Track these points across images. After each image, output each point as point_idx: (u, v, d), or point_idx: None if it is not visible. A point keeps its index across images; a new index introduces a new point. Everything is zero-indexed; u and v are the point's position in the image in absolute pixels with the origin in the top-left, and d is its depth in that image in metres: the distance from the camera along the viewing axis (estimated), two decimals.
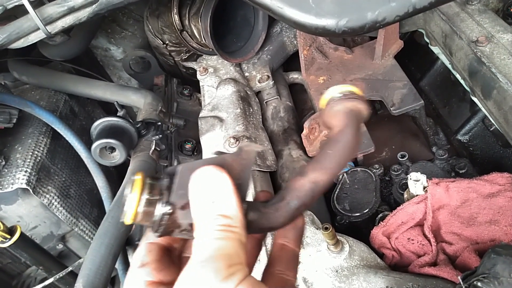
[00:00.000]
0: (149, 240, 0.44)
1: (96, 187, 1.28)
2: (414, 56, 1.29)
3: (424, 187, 0.89)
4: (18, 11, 0.99)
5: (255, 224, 0.42)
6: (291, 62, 1.44)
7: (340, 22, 0.70)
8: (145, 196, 0.39)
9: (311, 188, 0.43)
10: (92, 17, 0.98)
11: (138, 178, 0.40)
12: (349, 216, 0.97)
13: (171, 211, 0.39)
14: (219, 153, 0.43)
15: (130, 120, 1.22)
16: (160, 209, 0.39)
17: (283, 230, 0.46)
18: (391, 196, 1.02)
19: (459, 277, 0.64)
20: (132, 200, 0.39)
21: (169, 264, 0.44)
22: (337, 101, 0.48)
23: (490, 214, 0.83)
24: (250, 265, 0.44)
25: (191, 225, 0.40)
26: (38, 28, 0.99)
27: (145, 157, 1.21)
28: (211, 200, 0.38)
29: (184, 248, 0.48)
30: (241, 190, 0.41)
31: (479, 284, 0.62)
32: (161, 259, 0.43)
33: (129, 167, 1.20)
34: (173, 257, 0.46)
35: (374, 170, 1.04)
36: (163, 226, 0.40)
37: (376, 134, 1.06)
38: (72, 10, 0.97)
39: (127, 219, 0.39)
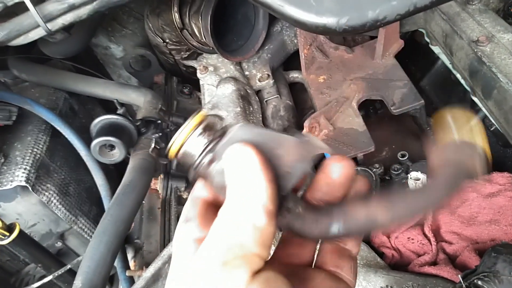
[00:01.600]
0: (194, 195, 0.42)
1: (95, 185, 1.28)
2: (415, 55, 1.29)
3: None
4: (19, 8, 0.99)
5: (286, 221, 0.39)
6: (292, 61, 1.43)
7: (341, 20, 0.70)
8: (196, 134, 0.38)
9: (365, 223, 0.38)
10: (92, 14, 0.97)
11: (199, 114, 0.38)
12: None
13: (208, 161, 0.37)
14: (292, 133, 0.39)
15: (130, 118, 1.22)
16: (201, 155, 0.37)
17: (334, 258, 0.42)
18: None
19: (459, 276, 0.64)
20: (183, 133, 0.37)
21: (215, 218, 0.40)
22: (456, 149, 0.41)
23: (490, 213, 0.84)
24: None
25: (221, 187, 0.37)
26: (39, 25, 0.98)
27: (145, 155, 1.21)
28: (235, 185, 0.35)
29: None
30: (284, 180, 0.38)
31: (479, 282, 0.62)
32: (207, 215, 0.40)
33: (129, 165, 1.20)
34: None
35: (374, 170, 1.04)
36: (198, 173, 0.38)
37: (376, 133, 1.06)
38: (72, 8, 0.96)
39: (171, 152, 0.38)
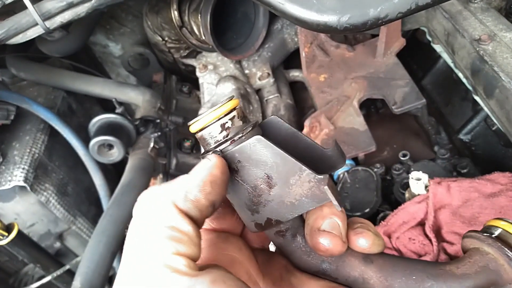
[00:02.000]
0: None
1: (93, 185, 1.27)
2: (416, 54, 1.28)
3: (426, 187, 0.88)
4: (17, 6, 0.98)
5: (279, 243, 0.39)
6: (292, 59, 1.43)
7: (342, 18, 0.69)
8: (217, 126, 0.36)
9: (355, 279, 0.37)
10: (91, 12, 0.96)
11: (231, 101, 0.37)
12: (350, 216, 0.96)
13: (226, 148, 0.36)
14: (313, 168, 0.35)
15: (129, 117, 1.21)
16: (212, 149, 0.36)
17: None
18: (392, 196, 1.01)
19: None
20: (214, 113, 0.36)
21: (224, 213, 0.41)
22: (496, 246, 0.35)
23: (492, 214, 0.83)
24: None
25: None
26: (37, 24, 0.98)
27: (144, 154, 1.20)
28: None
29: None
30: (287, 209, 0.37)
31: None
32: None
33: (127, 165, 1.19)
34: (230, 205, 0.41)
35: (376, 169, 1.03)
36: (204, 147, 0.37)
37: (377, 133, 1.05)
38: (71, 5, 0.96)
39: (195, 125, 0.37)
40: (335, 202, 0.35)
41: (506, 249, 0.35)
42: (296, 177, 0.35)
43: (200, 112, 0.34)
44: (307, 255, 0.38)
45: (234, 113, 0.37)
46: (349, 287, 0.38)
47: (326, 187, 0.34)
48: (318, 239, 0.36)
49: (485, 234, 0.37)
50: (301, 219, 0.40)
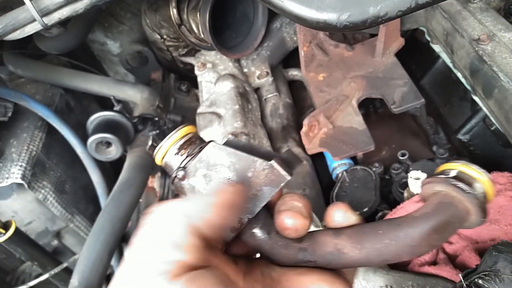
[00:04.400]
0: None
1: (91, 183, 1.26)
2: (415, 54, 1.28)
3: None
4: (14, 2, 0.97)
5: (255, 243, 0.40)
6: (291, 58, 1.42)
7: (342, 16, 0.69)
8: (175, 149, 0.41)
9: (331, 254, 0.37)
10: (89, 9, 0.96)
11: (184, 128, 0.42)
12: None
13: (180, 177, 0.40)
14: (267, 155, 0.39)
15: (127, 115, 1.21)
16: (175, 170, 0.41)
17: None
18: (390, 195, 1.01)
19: (460, 275, 0.64)
20: (164, 146, 0.41)
21: None
22: (449, 184, 0.37)
23: (490, 213, 0.83)
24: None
25: None
26: (35, 20, 0.97)
27: (142, 152, 1.20)
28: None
29: None
30: (252, 202, 0.39)
31: (480, 281, 0.61)
32: None
33: (125, 163, 1.19)
34: None
35: (374, 169, 1.03)
36: (174, 186, 0.41)
37: (376, 132, 1.05)
38: (69, 2, 0.95)
39: (157, 156, 0.42)
40: (286, 174, 0.38)
41: (456, 181, 0.36)
42: (251, 169, 0.39)
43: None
44: (284, 248, 0.39)
45: (190, 135, 0.42)
46: (329, 266, 0.38)
47: (276, 164, 0.37)
48: (282, 219, 0.38)
49: (439, 176, 0.39)
50: (270, 220, 0.41)
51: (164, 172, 1.30)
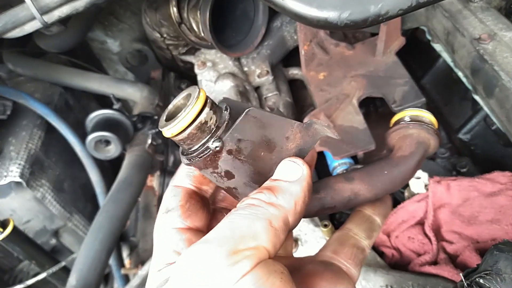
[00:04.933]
0: (175, 183, 0.41)
1: (90, 181, 1.26)
2: (416, 53, 1.28)
3: (425, 185, 0.88)
4: (14, 0, 0.97)
5: None
6: (291, 57, 1.42)
7: (343, 14, 0.68)
8: (203, 116, 0.34)
9: (349, 197, 0.42)
10: (89, 7, 0.96)
11: (203, 92, 0.35)
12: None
13: (217, 149, 0.35)
14: (278, 111, 0.41)
15: (126, 114, 1.20)
16: (208, 141, 0.35)
17: (333, 244, 0.45)
18: (391, 194, 1.00)
19: (461, 274, 0.63)
20: (190, 113, 0.34)
21: (197, 209, 0.41)
22: (412, 125, 0.47)
23: (491, 213, 0.82)
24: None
25: (226, 172, 0.37)
26: (34, 18, 0.97)
27: (141, 151, 1.19)
28: (276, 187, 0.37)
29: (217, 194, 0.45)
30: None
31: (481, 281, 0.61)
32: (189, 204, 0.40)
33: (124, 161, 1.18)
34: (203, 201, 0.42)
35: None
36: (199, 159, 0.35)
37: (376, 131, 1.04)
38: (69, 0, 0.95)
39: (172, 130, 0.34)
40: (330, 134, 0.41)
41: (418, 123, 0.47)
42: (289, 132, 0.39)
43: (167, 110, 0.32)
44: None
45: (211, 102, 0.36)
46: (346, 207, 0.44)
47: (313, 124, 0.40)
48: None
49: (399, 123, 0.49)
50: None
51: (164, 171, 1.29)
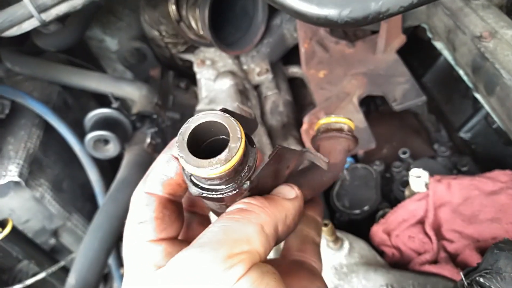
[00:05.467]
0: (148, 190, 0.39)
1: (89, 180, 1.26)
2: (417, 51, 1.27)
3: (426, 184, 0.87)
4: None
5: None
6: (291, 55, 1.41)
7: (343, 12, 0.68)
8: (245, 159, 0.34)
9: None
10: (87, 5, 0.95)
11: (241, 130, 0.34)
12: (349, 213, 0.96)
13: (245, 189, 0.35)
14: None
15: (125, 112, 1.20)
16: (242, 182, 0.35)
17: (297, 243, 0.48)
18: (391, 193, 1.00)
19: (461, 273, 0.63)
20: (236, 156, 0.32)
21: (172, 221, 0.39)
22: (339, 138, 0.53)
23: (492, 211, 0.82)
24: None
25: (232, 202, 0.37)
26: (32, 16, 0.96)
27: (140, 150, 1.19)
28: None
29: (188, 199, 0.46)
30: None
31: (481, 280, 0.61)
32: (163, 215, 0.38)
33: (124, 161, 1.18)
34: (178, 210, 0.41)
35: (375, 167, 1.02)
36: (223, 196, 0.35)
37: (377, 130, 1.04)
38: None
39: (213, 171, 0.32)
40: (318, 163, 0.44)
41: (339, 133, 0.54)
42: (292, 160, 0.42)
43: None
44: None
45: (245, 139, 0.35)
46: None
47: (308, 153, 0.44)
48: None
49: (330, 132, 0.55)
50: None
51: None
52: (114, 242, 1.01)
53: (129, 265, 0.37)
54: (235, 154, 0.32)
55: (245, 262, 0.31)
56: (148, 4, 1.42)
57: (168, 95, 1.49)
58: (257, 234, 0.34)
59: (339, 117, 0.54)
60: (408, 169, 0.99)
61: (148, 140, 1.21)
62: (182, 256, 0.31)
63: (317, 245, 0.48)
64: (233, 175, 0.34)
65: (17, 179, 1.13)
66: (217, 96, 1.22)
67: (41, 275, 1.20)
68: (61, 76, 1.41)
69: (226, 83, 1.22)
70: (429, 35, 1.11)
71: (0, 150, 1.20)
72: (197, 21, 1.31)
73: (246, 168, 0.35)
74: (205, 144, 0.36)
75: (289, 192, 0.41)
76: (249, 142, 0.36)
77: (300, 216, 0.41)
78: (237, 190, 0.35)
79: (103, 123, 1.14)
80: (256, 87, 1.32)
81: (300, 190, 0.43)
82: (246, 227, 0.33)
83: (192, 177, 0.36)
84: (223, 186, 0.35)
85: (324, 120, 0.55)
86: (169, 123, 1.36)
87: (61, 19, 1.03)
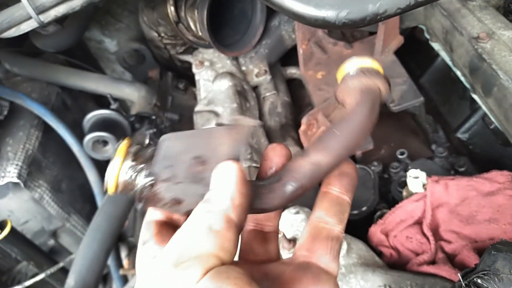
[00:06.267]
0: (147, 219, 0.42)
1: (88, 182, 1.26)
2: (414, 52, 1.28)
3: (423, 185, 0.88)
4: None
5: None
6: (289, 56, 1.42)
7: (341, 13, 0.68)
8: (128, 164, 0.37)
9: (311, 169, 0.39)
10: (86, 6, 0.95)
11: (123, 144, 0.38)
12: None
13: (152, 182, 0.37)
14: (219, 124, 0.40)
15: (124, 114, 1.20)
16: (142, 180, 0.37)
17: (327, 178, 0.42)
18: (389, 194, 1.00)
19: (459, 274, 0.63)
20: (114, 168, 0.37)
21: (172, 234, 0.39)
22: (353, 76, 0.44)
23: (490, 212, 0.83)
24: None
25: (175, 199, 0.38)
26: (30, 17, 0.96)
27: None
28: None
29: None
30: None
31: (479, 281, 0.61)
32: (162, 233, 0.40)
33: None
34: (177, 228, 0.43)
35: (373, 168, 1.03)
36: (145, 198, 0.38)
37: (374, 131, 1.03)
38: None
39: (109, 189, 0.37)
40: (250, 121, 0.40)
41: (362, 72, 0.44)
42: (214, 139, 0.38)
43: None
44: (270, 191, 0.40)
45: (132, 148, 0.39)
46: (313, 182, 0.40)
47: (235, 122, 0.39)
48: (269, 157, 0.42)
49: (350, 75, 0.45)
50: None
51: None
52: (113, 243, 1.02)
53: (140, 284, 0.38)
54: (112, 170, 0.38)
55: (195, 268, 0.30)
56: (147, 5, 1.42)
57: (167, 96, 1.49)
58: (205, 237, 0.32)
59: (356, 59, 0.46)
60: (406, 170, 0.99)
61: (147, 141, 1.21)
62: (139, 271, 0.35)
63: (335, 239, 0.40)
64: (131, 181, 0.38)
65: (15, 180, 1.13)
66: (215, 97, 1.22)
67: (40, 276, 1.21)
68: (60, 77, 1.42)
69: (225, 84, 1.23)
70: (427, 36, 1.12)
71: None
72: (196, 23, 1.31)
73: (140, 169, 0.38)
74: None
75: (222, 172, 0.36)
76: (142, 148, 0.40)
77: (244, 184, 0.35)
78: (145, 187, 0.38)
79: (102, 124, 1.14)
80: (255, 88, 1.32)
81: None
82: (193, 233, 0.33)
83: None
84: (137, 191, 0.38)
85: (339, 71, 0.46)
86: (167, 124, 1.36)
87: (60, 20, 1.03)
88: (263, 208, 0.40)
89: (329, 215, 0.41)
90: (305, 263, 0.39)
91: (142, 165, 0.38)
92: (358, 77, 0.43)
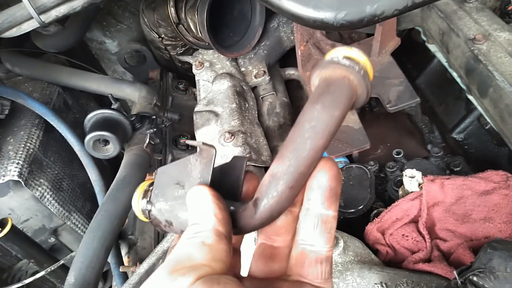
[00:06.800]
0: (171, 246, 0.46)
1: (89, 180, 1.27)
2: (411, 53, 1.29)
3: (419, 184, 0.89)
4: None
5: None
6: (288, 58, 1.43)
7: (339, 15, 0.69)
8: (141, 197, 0.46)
9: (269, 182, 0.36)
10: (87, 6, 0.96)
11: (142, 183, 0.47)
12: (344, 213, 0.97)
13: (149, 209, 0.45)
14: (207, 144, 0.42)
15: (125, 113, 1.21)
16: (144, 207, 0.45)
17: (307, 192, 0.38)
18: (386, 193, 1.02)
19: (454, 272, 0.64)
20: (134, 203, 0.46)
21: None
22: (323, 64, 0.36)
23: (485, 211, 0.84)
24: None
25: (167, 221, 0.44)
26: (32, 17, 0.97)
27: (139, 150, 1.20)
28: (192, 216, 0.39)
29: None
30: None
31: (474, 279, 0.62)
32: None
33: (123, 160, 1.19)
34: None
35: (369, 167, 1.04)
36: (152, 222, 0.46)
37: (371, 131, 1.06)
38: None
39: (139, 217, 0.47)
40: (212, 146, 0.41)
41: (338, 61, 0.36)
42: (189, 166, 0.43)
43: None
44: (245, 210, 0.40)
45: (146, 184, 0.47)
46: (290, 203, 0.38)
47: (201, 148, 0.41)
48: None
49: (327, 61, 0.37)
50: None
51: None
52: (114, 241, 1.02)
53: None
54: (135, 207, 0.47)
55: (188, 275, 0.32)
56: (148, 6, 1.44)
57: (167, 96, 1.51)
58: (198, 250, 0.35)
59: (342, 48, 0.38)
60: (402, 169, 1.00)
61: (147, 140, 1.22)
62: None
63: (324, 262, 0.38)
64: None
65: (16, 178, 1.14)
66: (215, 97, 1.23)
67: (41, 274, 1.21)
68: (61, 77, 1.43)
69: (224, 85, 1.24)
70: (423, 37, 1.13)
71: (0, 150, 1.21)
72: (196, 24, 1.32)
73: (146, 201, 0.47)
74: None
75: (195, 196, 0.39)
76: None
77: (218, 199, 0.38)
78: (146, 214, 0.46)
79: (103, 124, 1.15)
80: (254, 89, 1.33)
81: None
82: (188, 247, 0.36)
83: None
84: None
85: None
86: (168, 123, 1.37)
87: (61, 21, 1.04)
88: (241, 229, 0.40)
89: (315, 236, 0.38)
90: (300, 282, 0.39)
91: (148, 197, 0.46)
92: (326, 65, 0.36)
